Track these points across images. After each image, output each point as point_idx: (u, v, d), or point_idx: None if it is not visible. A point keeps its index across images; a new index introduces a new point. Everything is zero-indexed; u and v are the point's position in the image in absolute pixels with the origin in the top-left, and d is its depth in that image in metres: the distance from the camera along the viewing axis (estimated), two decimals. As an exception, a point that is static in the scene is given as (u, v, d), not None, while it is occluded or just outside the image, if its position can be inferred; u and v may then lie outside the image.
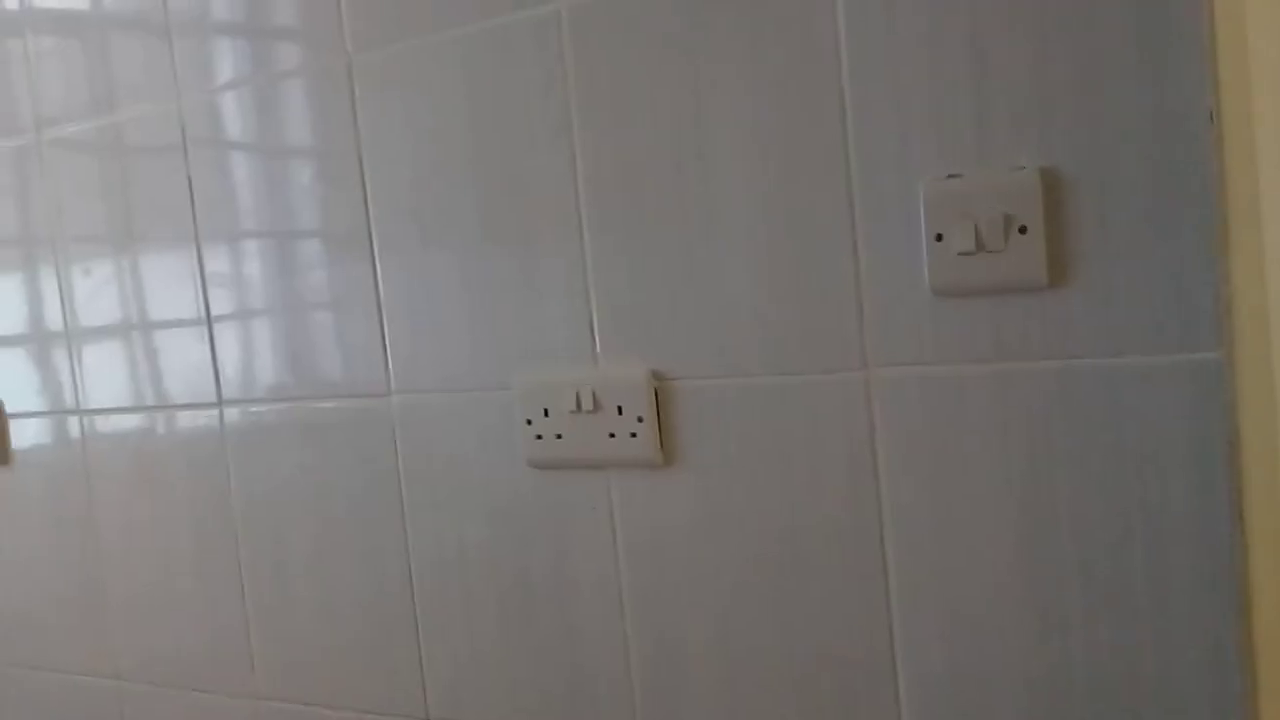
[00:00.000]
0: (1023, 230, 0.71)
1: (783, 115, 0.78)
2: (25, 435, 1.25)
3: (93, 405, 1.19)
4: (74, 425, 1.20)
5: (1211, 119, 0.67)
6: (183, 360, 1.11)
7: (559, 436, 0.90)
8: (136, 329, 1.14)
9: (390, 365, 0.98)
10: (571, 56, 0.86)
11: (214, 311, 1.08)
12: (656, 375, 0.85)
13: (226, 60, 1.03)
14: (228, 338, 1.07)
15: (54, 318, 1.20)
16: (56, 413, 1.22)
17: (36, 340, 1.22)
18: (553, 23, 0.86)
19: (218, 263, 1.07)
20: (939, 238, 0.74)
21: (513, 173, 0.89)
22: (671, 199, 0.83)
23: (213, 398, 1.09)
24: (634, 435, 0.86)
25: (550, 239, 0.88)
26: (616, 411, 0.87)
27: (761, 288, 0.80)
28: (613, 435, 0.87)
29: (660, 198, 0.83)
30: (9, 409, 1.26)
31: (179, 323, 1.10)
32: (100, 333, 1.17)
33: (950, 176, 0.73)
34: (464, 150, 0.91)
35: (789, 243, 0.79)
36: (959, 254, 0.73)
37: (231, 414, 1.08)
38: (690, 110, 0.81)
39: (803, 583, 0.82)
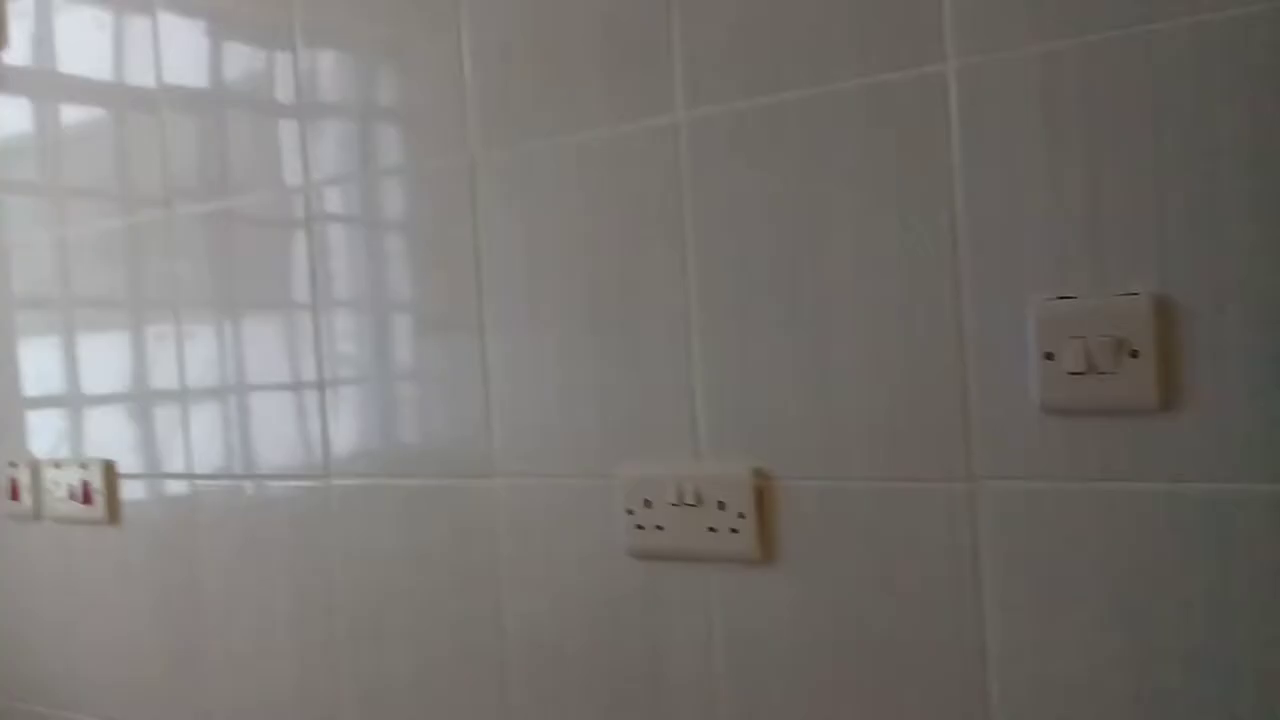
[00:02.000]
0: (1134, 354, 0.73)
1: (896, 230, 0.81)
2: (135, 496, 1.30)
3: (202, 470, 1.23)
4: (183, 488, 1.25)
5: (1327, 254, 0.68)
6: (292, 431, 1.15)
7: (660, 528, 0.92)
8: (249, 398, 1.19)
9: (494, 447, 1.01)
10: (689, 165, 0.89)
11: (326, 386, 1.12)
12: (759, 473, 0.87)
13: (355, 147, 1.09)
14: (338, 412, 1.12)
15: (170, 384, 1.25)
16: (167, 475, 1.27)
17: (152, 404, 1.27)
18: (671, 133, 0.90)
19: (332, 340, 1.11)
20: (1049, 356, 0.75)
21: (625, 270, 0.93)
22: (782, 304, 0.86)
23: (320, 469, 1.13)
24: (735, 531, 0.88)
25: (658, 334, 0.91)
26: (718, 506, 0.89)
27: (869, 394, 0.82)
28: (713, 530, 0.89)
29: (771, 302, 0.86)
30: (121, 469, 1.31)
31: (292, 394, 1.15)
32: (214, 400, 1.22)
33: (1062, 298, 0.75)
34: (578, 246, 0.95)
35: (898, 352, 0.81)
36: (1069, 373, 0.75)
37: (338, 486, 1.12)
38: (804, 220, 0.84)
39: (901, 691, 0.83)
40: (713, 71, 0.88)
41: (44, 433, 1.42)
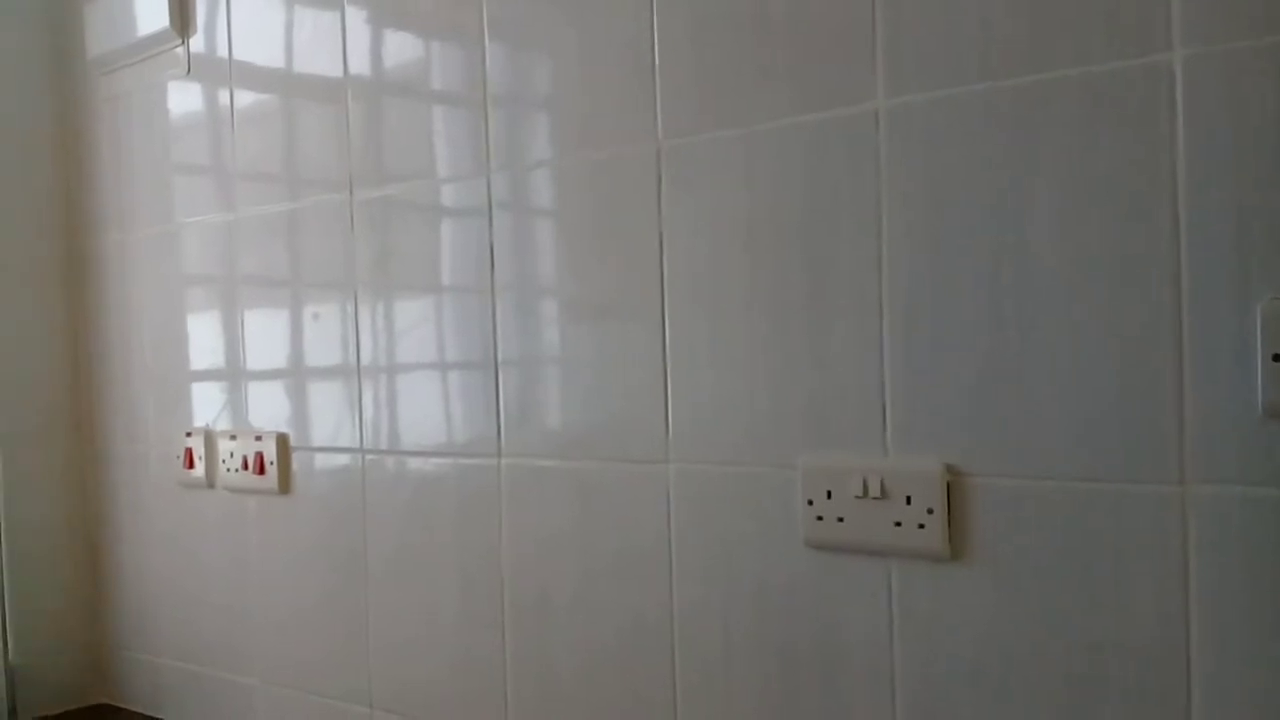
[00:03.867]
0: (1374, 357, 0.69)
1: (1112, 224, 0.79)
2: (304, 468, 1.35)
3: (371, 445, 1.27)
4: (353, 462, 1.29)
5: None
6: (464, 410, 1.18)
7: (840, 520, 0.91)
8: (421, 376, 1.22)
9: (670, 433, 1.02)
10: (886, 154, 0.88)
11: (500, 367, 1.14)
12: (950, 469, 0.86)
13: (539, 135, 1.11)
14: (511, 393, 1.14)
15: (347, 359, 1.29)
16: (338, 450, 1.31)
17: (327, 379, 1.32)
18: (869, 120, 0.89)
19: (508, 323, 1.14)
20: (1276, 358, 0.72)
21: (815, 260, 0.92)
22: (983, 297, 0.84)
23: (491, 448, 1.15)
24: (921, 526, 0.87)
25: (848, 325, 0.91)
26: (905, 501, 0.88)
27: (1074, 393, 0.80)
28: (899, 524, 0.88)
29: (971, 295, 0.85)
30: (293, 443, 1.36)
31: (465, 373, 1.18)
32: (384, 377, 1.26)
33: (1292, 297, 0.72)
34: (765, 235, 0.95)
35: (1108, 350, 0.79)
36: (1299, 376, 0.72)
37: (508, 465, 1.14)
38: (1009, 209, 0.83)
39: (1095, 698, 0.80)
40: (918, 57, 0.87)
41: (209, 405, 1.48)
